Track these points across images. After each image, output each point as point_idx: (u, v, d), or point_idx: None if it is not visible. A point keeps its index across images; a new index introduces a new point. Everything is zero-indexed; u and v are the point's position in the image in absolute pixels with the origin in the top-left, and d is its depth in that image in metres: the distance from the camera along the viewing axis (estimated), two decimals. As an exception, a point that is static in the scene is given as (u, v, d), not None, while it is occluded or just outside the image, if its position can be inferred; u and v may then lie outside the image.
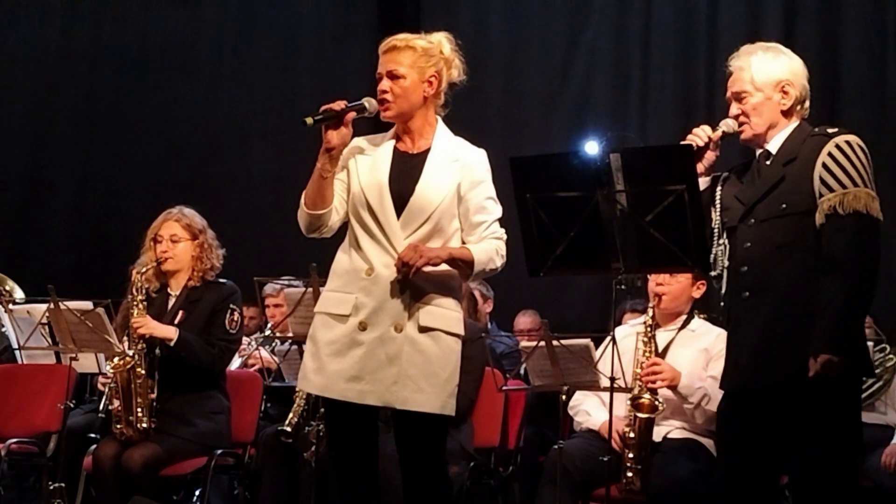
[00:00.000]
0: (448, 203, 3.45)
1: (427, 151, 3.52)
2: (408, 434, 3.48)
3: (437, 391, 3.42)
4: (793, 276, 3.29)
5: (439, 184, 3.45)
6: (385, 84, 3.46)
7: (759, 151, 3.47)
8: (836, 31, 7.24)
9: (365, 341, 3.39)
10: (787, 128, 3.43)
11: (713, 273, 3.43)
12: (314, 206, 3.51)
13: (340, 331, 3.42)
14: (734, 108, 3.44)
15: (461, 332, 3.52)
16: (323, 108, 3.40)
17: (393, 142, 3.55)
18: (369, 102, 3.47)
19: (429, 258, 3.37)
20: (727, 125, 3.42)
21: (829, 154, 3.30)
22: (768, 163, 3.43)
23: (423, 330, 3.42)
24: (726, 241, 3.41)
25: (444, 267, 3.43)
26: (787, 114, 3.43)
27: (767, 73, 3.43)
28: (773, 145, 3.44)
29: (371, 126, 3.65)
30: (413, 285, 3.40)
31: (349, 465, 3.51)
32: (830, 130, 3.38)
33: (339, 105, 3.41)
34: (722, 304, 3.44)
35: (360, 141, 3.58)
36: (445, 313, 3.47)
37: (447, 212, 3.46)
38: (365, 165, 3.51)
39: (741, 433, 3.37)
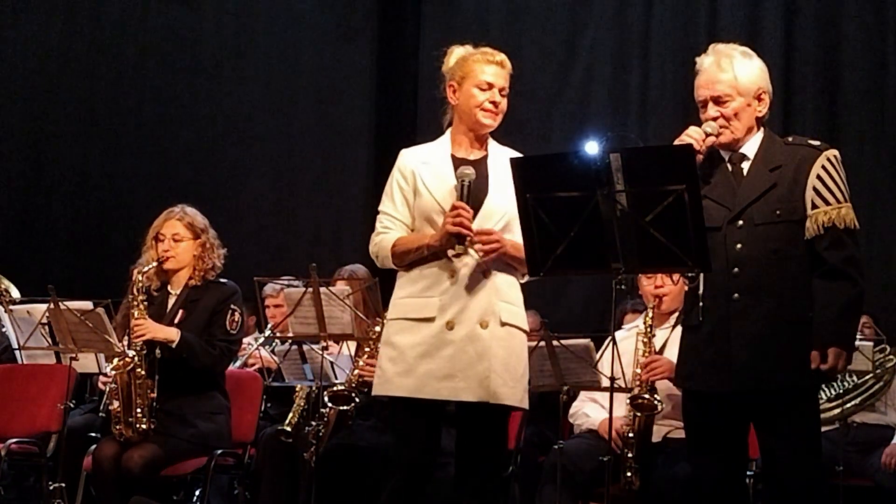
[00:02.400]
0: (513, 206, 3.56)
1: (485, 158, 3.69)
2: (480, 427, 3.56)
3: (517, 385, 3.59)
4: (788, 281, 3.36)
5: (506, 187, 3.57)
6: (498, 97, 3.66)
7: (727, 154, 3.50)
8: (836, 31, 7.24)
9: (454, 340, 3.51)
10: (758, 133, 3.50)
11: (690, 273, 3.44)
12: (400, 263, 3.63)
13: (426, 332, 3.53)
14: (713, 111, 3.45)
15: (528, 328, 3.70)
16: (460, 228, 3.49)
17: (448, 149, 3.69)
18: (465, 175, 3.57)
19: (504, 248, 3.55)
20: (711, 127, 3.43)
21: (823, 168, 3.39)
22: (745, 166, 3.47)
23: (504, 325, 3.56)
24: None
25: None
26: (758, 120, 3.49)
27: (750, 78, 3.47)
28: (748, 149, 3.49)
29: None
30: (493, 283, 3.56)
31: (414, 463, 3.55)
32: (814, 143, 3.47)
33: (460, 212, 3.50)
34: (701, 303, 3.43)
35: (414, 152, 3.72)
36: (518, 311, 3.64)
37: (513, 214, 3.57)
38: (430, 175, 3.63)
39: (718, 435, 3.43)
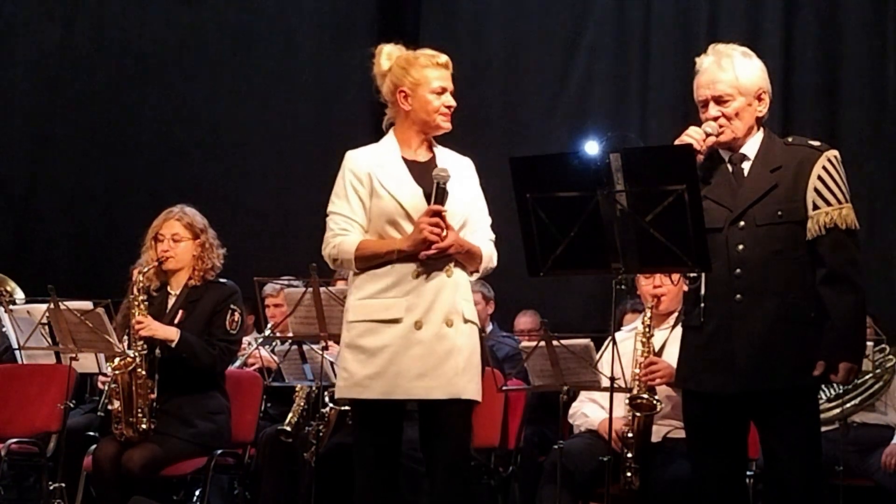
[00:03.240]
0: (469, 205, 3.66)
1: (433, 159, 3.70)
2: (443, 423, 3.59)
3: (478, 380, 3.65)
4: (788, 282, 3.36)
5: (459, 189, 3.63)
6: (451, 100, 3.69)
7: (727, 154, 3.49)
8: (836, 30, 7.24)
9: (423, 339, 3.54)
10: (758, 134, 3.49)
11: (692, 273, 3.44)
12: (363, 266, 3.63)
13: (394, 333, 3.55)
14: (714, 110, 3.44)
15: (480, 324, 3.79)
16: (433, 238, 3.52)
17: (396, 151, 3.71)
18: (441, 177, 3.58)
19: (461, 246, 3.59)
20: (711, 127, 3.42)
21: (824, 168, 3.39)
22: (746, 167, 3.46)
23: (466, 322, 3.61)
24: None
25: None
26: (758, 120, 3.49)
27: (750, 78, 3.46)
28: (749, 150, 3.48)
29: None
30: (454, 281, 3.60)
31: (381, 462, 3.60)
32: (814, 143, 3.47)
33: (438, 221, 3.53)
34: (703, 304, 3.42)
35: (363, 154, 3.74)
36: (475, 308, 3.70)
37: (469, 214, 3.66)
38: (389, 179, 3.64)
39: (719, 436, 3.44)
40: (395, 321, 3.55)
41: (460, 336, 3.58)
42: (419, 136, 3.71)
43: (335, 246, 3.64)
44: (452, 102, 3.68)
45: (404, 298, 3.55)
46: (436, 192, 3.56)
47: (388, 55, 3.72)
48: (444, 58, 3.71)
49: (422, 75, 3.66)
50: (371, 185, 3.64)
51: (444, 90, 3.67)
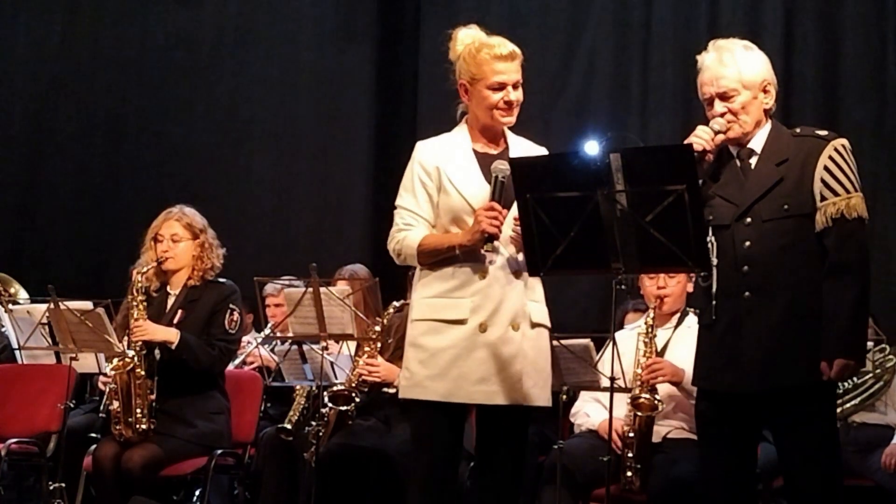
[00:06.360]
0: None
1: (506, 151, 3.58)
2: (504, 429, 3.51)
3: (546, 385, 3.56)
4: (797, 277, 3.33)
5: None
6: (512, 94, 3.52)
7: (735, 149, 3.48)
8: (836, 31, 7.23)
9: (487, 342, 3.44)
10: (766, 126, 3.47)
11: (702, 272, 3.42)
12: (426, 262, 3.51)
13: (457, 335, 3.44)
14: (720, 107, 3.42)
15: (550, 325, 3.64)
16: (491, 230, 3.39)
17: (468, 143, 3.59)
18: (500, 171, 3.45)
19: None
20: (719, 124, 3.40)
21: (831, 158, 3.34)
22: (753, 161, 3.44)
23: (534, 326, 3.52)
24: (713, 240, 3.40)
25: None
26: (766, 113, 3.46)
27: (754, 71, 3.44)
28: (756, 144, 3.45)
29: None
30: (523, 282, 3.49)
31: (438, 467, 3.49)
32: (821, 133, 3.43)
33: (497, 214, 3.39)
34: (714, 302, 3.41)
35: (434, 147, 3.60)
36: (544, 308, 3.60)
37: None
38: (458, 174, 3.52)
39: (730, 435, 3.41)
40: (460, 322, 3.43)
41: (526, 340, 3.47)
42: (487, 129, 3.59)
43: (399, 241, 3.53)
44: (513, 97, 3.52)
45: (470, 299, 3.44)
46: (494, 186, 3.43)
47: (462, 41, 3.61)
48: (507, 49, 3.54)
49: (480, 70, 3.52)
50: (440, 179, 3.51)
51: (502, 85, 3.50)
